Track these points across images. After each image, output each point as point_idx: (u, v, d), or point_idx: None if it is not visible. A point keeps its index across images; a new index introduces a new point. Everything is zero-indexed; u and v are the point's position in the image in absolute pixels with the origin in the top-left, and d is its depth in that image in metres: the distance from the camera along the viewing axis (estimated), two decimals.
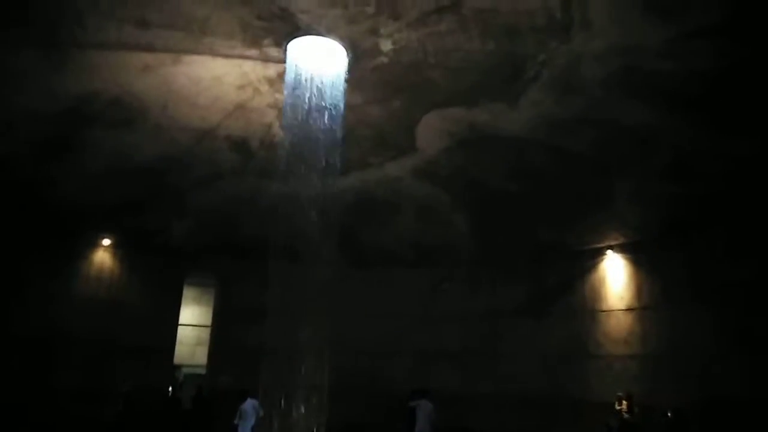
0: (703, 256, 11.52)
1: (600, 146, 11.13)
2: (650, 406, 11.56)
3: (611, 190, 12.15)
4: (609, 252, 13.49)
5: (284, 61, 9.39)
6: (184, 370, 18.53)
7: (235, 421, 10.41)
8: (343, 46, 9.11)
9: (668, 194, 11.46)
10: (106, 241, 14.21)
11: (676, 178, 11.03)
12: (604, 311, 13.40)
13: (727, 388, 10.42)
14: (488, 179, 13.17)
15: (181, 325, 16.06)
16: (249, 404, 10.74)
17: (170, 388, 15.71)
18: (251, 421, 10.63)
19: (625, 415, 11.32)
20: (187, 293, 16.76)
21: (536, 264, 14.66)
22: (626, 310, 12.99)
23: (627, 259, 13.22)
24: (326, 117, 10.01)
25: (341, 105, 9.92)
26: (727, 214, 11.05)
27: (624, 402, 11.48)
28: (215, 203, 14.08)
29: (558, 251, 14.17)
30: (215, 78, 9.93)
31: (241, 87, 10.27)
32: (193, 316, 18.83)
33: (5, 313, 12.02)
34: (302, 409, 8.05)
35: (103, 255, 14.25)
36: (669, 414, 10.27)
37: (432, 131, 11.84)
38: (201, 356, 18.02)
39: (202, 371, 17.17)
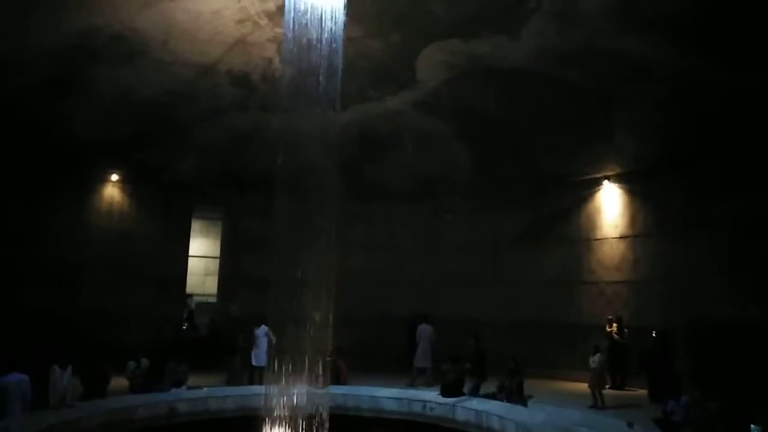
0: (696, 187, 11.79)
1: (600, 77, 11.17)
2: (639, 328, 12.28)
3: (610, 121, 12.28)
4: (606, 182, 13.79)
5: None
6: (195, 299, 19.38)
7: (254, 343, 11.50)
8: None
9: (666, 126, 11.60)
10: (115, 176, 14.52)
11: (674, 110, 11.13)
12: (598, 239, 13.88)
13: (712, 312, 10.99)
14: (489, 111, 13.27)
15: (190, 256, 16.66)
16: (261, 330, 11.54)
17: (186, 320, 16.58)
18: (264, 346, 11.44)
19: (615, 337, 12.04)
20: (195, 226, 17.25)
21: (535, 194, 14.99)
22: (620, 238, 13.45)
23: (623, 189, 13.53)
24: (326, 51, 10.01)
25: (341, 38, 9.90)
26: (722, 146, 11.21)
27: (614, 324, 12.18)
28: (219, 138, 14.27)
29: (556, 181, 14.45)
30: (214, 12, 9.89)
31: (241, 21, 10.23)
32: (201, 248, 19.46)
33: (23, 245, 12.52)
34: (310, 334, 8.62)
35: (113, 189, 14.60)
36: (654, 334, 10.94)
37: (432, 64, 11.85)
38: (210, 286, 18.80)
39: (212, 300, 17.99)
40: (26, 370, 8.09)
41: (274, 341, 11.24)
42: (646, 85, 10.92)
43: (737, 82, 9.80)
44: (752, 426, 5.93)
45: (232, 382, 11.68)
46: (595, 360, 10.50)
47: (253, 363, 11.56)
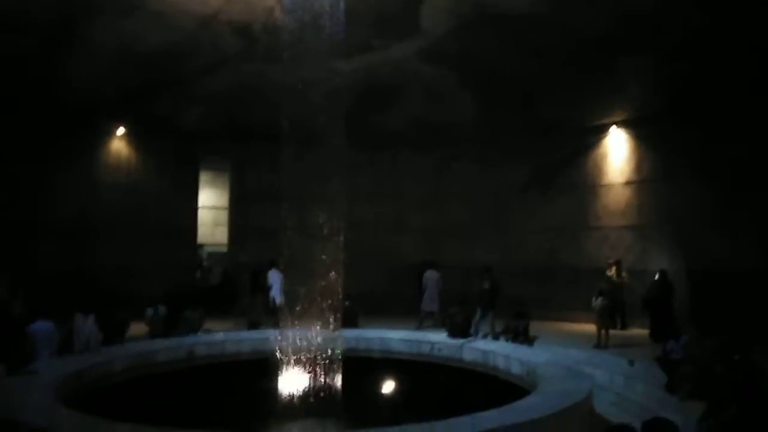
0: (703, 134, 11.76)
1: (606, 23, 10.95)
2: (642, 271, 12.55)
3: (618, 67, 12.12)
4: (612, 128, 13.75)
5: None
6: (206, 249, 19.76)
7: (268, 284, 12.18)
8: None
9: (674, 72, 11.45)
10: (121, 129, 14.58)
11: (682, 57, 10.97)
12: (604, 185, 13.97)
13: (712, 257, 11.22)
14: (495, 58, 13.07)
15: (199, 207, 16.91)
16: (273, 273, 12.05)
17: (198, 269, 17.00)
18: (277, 286, 11.98)
19: (614, 279, 12.33)
20: (203, 177, 17.40)
21: (541, 141, 14.96)
22: (625, 183, 13.54)
23: (629, 134, 13.50)
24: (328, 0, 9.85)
25: None
26: (729, 94, 11.12)
27: (613, 268, 12.45)
28: (223, 89, 14.19)
29: (563, 128, 14.41)
30: None
31: None
32: (209, 199, 19.68)
33: (35, 203, 12.77)
34: (322, 280, 8.91)
35: (120, 143, 14.71)
36: (656, 277, 11.20)
37: (437, 11, 11.62)
38: (220, 236, 19.12)
39: (223, 249, 18.35)
40: (51, 319, 8.50)
41: (287, 286, 11.74)
42: (653, 32, 10.73)
43: (743, 31, 9.61)
44: (735, 357, 6.23)
45: (254, 322, 12.09)
46: (597, 302, 10.81)
47: (273, 303, 12.03)
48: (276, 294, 12.13)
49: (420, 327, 12.18)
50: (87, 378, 7.73)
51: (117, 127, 14.50)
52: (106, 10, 10.82)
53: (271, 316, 11.71)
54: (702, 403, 5.83)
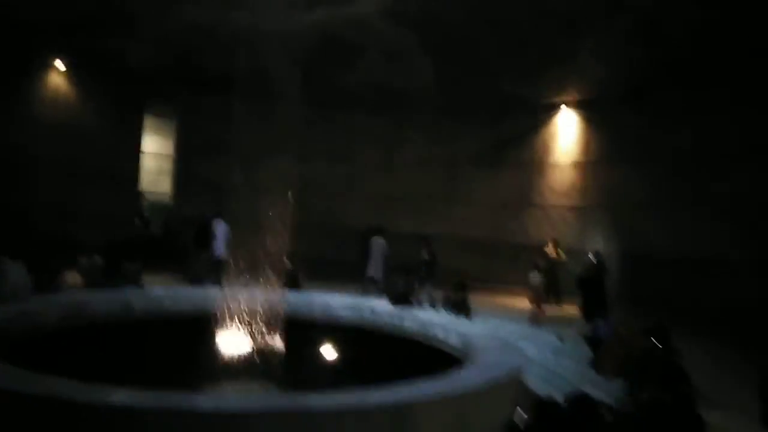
0: (650, 120, 12.17)
1: (570, 3, 11.04)
2: (581, 250, 13.06)
3: (575, 46, 12.29)
4: (563, 107, 14.01)
5: None
6: (149, 197, 19.03)
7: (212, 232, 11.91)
8: None
9: (628, 56, 11.73)
10: (60, 63, 13.64)
11: (637, 40, 11.22)
12: (551, 164, 14.32)
13: (649, 243, 11.79)
14: (457, 26, 12.98)
15: (142, 153, 16.20)
16: (219, 224, 11.94)
17: (138, 217, 16.38)
18: (221, 237, 11.80)
19: (551, 257, 12.80)
20: (148, 122, 16.62)
21: (495, 114, 15.14)
22: (571, 164, 13.92)
23: (580, 115, 13.85)
24: None
25: None
26: (680, 80, 11.49)
27: (550, 245, 12.91)
28: (176, 30, 13.42)
29: (516, 103, 14.61)
30: None
31: None
32: (154, 145, 18.85)
33: None
34: (266, 239, 8.76)
35: (58, 78, 13.81)
36: (591, 257, 11.68)
37: None
38: (163, 185, 18.44)
39: (165, 199, 17.75)
40: None
41: (230, 235, 11.56)
42: (613, 11, 10.89)
43: (700, 17, 9.87)
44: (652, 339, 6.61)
45: (197, 278, 11.85)
46: (533, 277, 11.22)
47: (216, 254, 11.77)
48: (219, 246, 11.90)
49: (364, 293, 12.29)
50: (14, 328, 7.38)
51: (55, 59, 13.55)
52: None
53: (213, 271, 11.51)
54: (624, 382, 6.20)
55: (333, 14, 13.21)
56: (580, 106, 13.82)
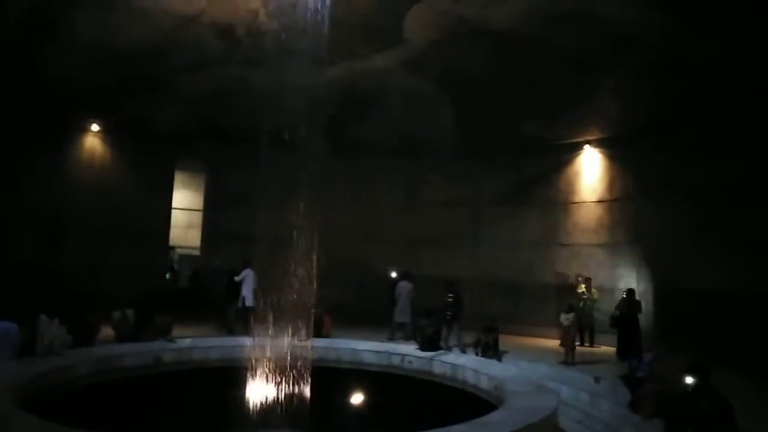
0: (675, 154, 12.04)
1: (585, 42, 11.21)
2: (612, 289, 12.79)
3: (593, 86, 12.40)
4: (586, 147, 14.02)
5: None
6: (178, 251, 19.47)
7: (236, 279, 12.24)
8: None
9: (648, 91, 11.76)
10: (96, 126, 14.33)
11: (658, 77, 11.27)
12: (576, 203, 14.22)
13: (682, 278, 11.46)
14: (475, 72, 13.26)
15: (173, 208, 16.68)
16: (247, 272, 12.20)
17: (169, 272, 16.74)
18: (249, 285, 12.02)
19: (584, 296, 12.53)
20: (177, 177, 17.17)
21: (517, 156, 15.18)
22: (597, 202, 13.80)
23: (603, 153, 13.79)
24: (313, 5, 9.86)
25: None
26: (703, 114, 11.42)
27: (582, 285, 12.65)
28: (203, 90, 14.07)
29: (538, 145, 14.63)
30: None
31: None
32: (183, 200, 19.42)
33: (7, 198, 12.46)
34: (294, 288, 8.84)
35: (94, 140, 14.46)
36: (624, 295, 11.41)
37: (420, 23, 11.75)
38: (192, 238, 18.87)
39: (195, 252, 18.11)
40: (14, 319, 8.26)
41: (255, 286, 11.83)
42: (631, 51, 11.00)
43: (722, 53, 9.91)
44: (687, 377, 6.36)
45: (231, 328, 12.04)
46: (568, 318, 10.99)
47: (247, 304, 11.92)
48: (248, 295, 12.03)
49: (391, 338, 12.19)
50: (48, 382, 7.53)
51: (91, 123, 14.24)
52: (89, 4, 10.71)
53: (242, 320, 11.61)
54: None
55: (354, 68, 13.69)
56: (602, 144, 13.80)
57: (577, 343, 11.69)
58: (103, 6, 10.89)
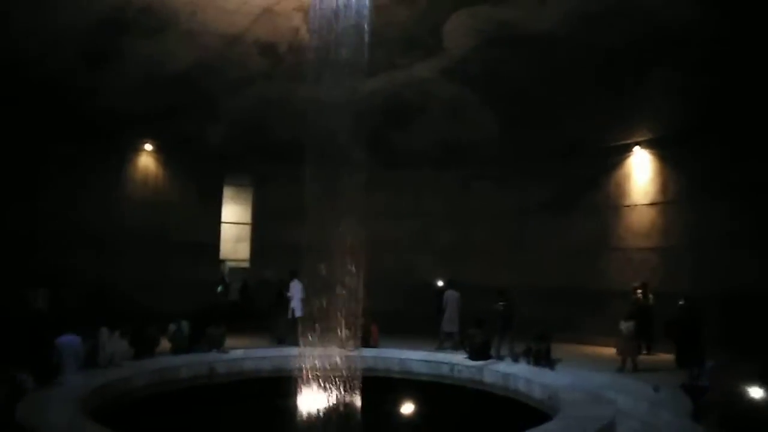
0: (729, 154, 11.57)
1: (631, 40, 10.94)
2: (668, 294, 12.28)
3: (640, 86, 12.06)
4: (636, 148, 13.60)
5: None
6: (228, 265, 19.95)
7: (288, 294, 12.43)
8: None
9: (699, 89, 11.34)
10: (149, 147, 14.94)
11: (706, 74, 10.87)
12: (627, 206, 13.79)
13: (740, 280, 10.94)
14: (517, 77, 13.12)
15: (222, 222, 17.15)
16: (295, 284, 12.32)
17: (220, 285, 17.17)
18: (298, 296, 12.16)
19: (642, 302, 12.07)
20: (226, 192, 17.64)
21: (564, 161, 14.86)
22: (649, 204, 13.35)
23: (654, 154, 13.34)
24: (353, 20, 10.00)
25: (368, 7, 9.87)
26: (757, 113, 10.93)
27: (638, 291, 12.21)
28: (248, 107, 14.48)
29: (586, 148, 14.29)
30: None
31: None
32: (232, 214, 19.92)
33: (65, 215, 13.10)
34: (342, 298, 8.92)
35: (147, 160, 15.05)
36: (681, 302, 10.94)
37: (460, 30, 11.75)
38: (242, 251, 19.30)
39: (244, 265, 18.52)
40: (78, 332, 8.67)
41: (304, 296, 11.87)
42: (676, 47, 10.67)
43: None
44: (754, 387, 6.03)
45: (280, 339, 12.25)
46: (627, 326, 10.59)
47: (296, 315, 12.11)
48: (297, 306, 12.21)
49: (440, 348, 12.09)
50: (110, 393, 7.84)
51: (145, 143, 14.86)
52: (138, 29, 11.23)
53: (292, 331, 11.77)
54: None
55: (394, 79, 13.79)
56: (653, 144, 13.34)
57: (645, 353, 11.30)
58: (152, 32, 11.38)
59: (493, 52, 12.31)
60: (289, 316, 12.35)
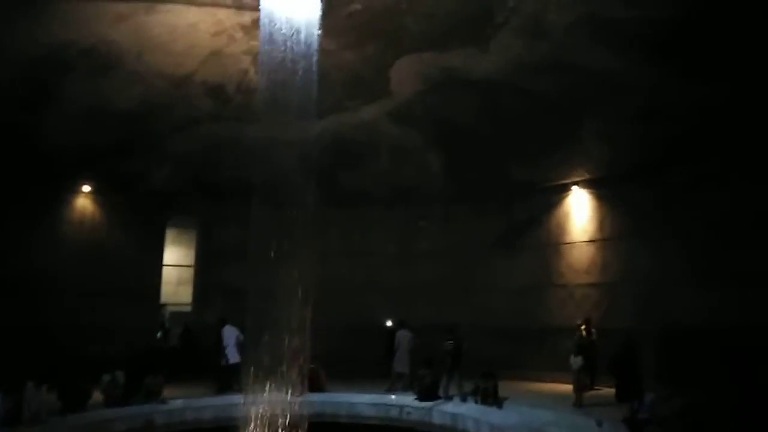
0: (665, 192, 12.21)
1: (568, 89, 11.55)
2: (608, 330, 12.66)
3: (579, 130, 12.68)
4: (574, 188, 14.19)
5: (258, 9, 9.44)
6: (169, 309, 19.17)
7: (223, 344, 11.86)
8: None
9: (633, 134, 12.04)
10: (87, 187, 14.40)
11: (641, 120, 11.55)
12: (567, 243, 14.28)
13: (678, 316, 11.40)
14: (461, 120, 13.59)
15: (164, 265, 16.56)
16: (227, 329, 11.90)
17: (160, 330, 16.45)
18: (231, 342, 11.79)
19: (586, 338, 12.37)
20: (168, 234, 17.11)
21: (507, 200, 15.34)
22: (589, 242, 13.87)
23: (591, 194, 13.93)
24: (302, 63, 10.16)
25: (316, 51, 10.07)
26: (689, 154, 11.66)
27: (582, 327, 12.53)
28: (194, 147, 14.27)
29: (527, 188, 14.81)
30: (190, 26, 9.99)
31: (216, 34, 10.35)
32: (174, 257, 19.27)
33: None
34: (287, 342, 8.73)
35: (85, 200, 14.48)
36: (623, 334, 11.29)
37: (406, 75, 12.12)
38: (183, 295, 18.61)
39: (185, 309, 17.83)
40: (1, 387, 8.06)
41: (242, 338, 11.59)
42: (613, 95, 11.33)
43: (707, 93, 10.19)
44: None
45: (220, 387, 11.77)
46: (576, 361, 10.81)
47: (231, 361, 11.68)
48: (231, 352, 11.81)
49: (390, 389, 11.94)
50: None
51: (83, 184, 14.32)
52: (82, 69, 10.98)
53: (230, 377, 11.35)
54: None
55: (342, 121, 13.97)
56: (590, 184, 13.97)
57: (597, 388, 11.50)
58: (97, 72, 11.14)
59: (438, 95, 12.73)
60: (224, 362, 11.89)
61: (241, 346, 11.61)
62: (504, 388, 10.80)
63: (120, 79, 11.47)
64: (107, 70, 11.12)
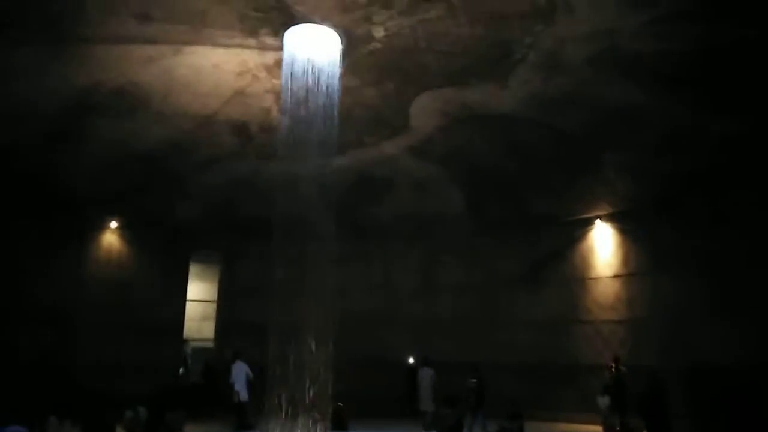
0: (688, 226, 12.00)
1: (588, 123, 11.57)
2: (635, 367, 12.27)
3: (600, 164, 12.64)
4: (597, 221, 14.01)
5: (281, 49, 9.73)
6: (192, 344, 19.18)
7: (230, 381, 11.64)
8: (337, 33, 9.44)
9: (655, 167, 11.94)
10: (114, 224, 14.71)
11: (663, 153, 11.49)
12: (592, 278, 14.01)
13: (706, 352, 11.05)
14: (481, 155, 13.63)
15: (187, 301, 16.66)
16: (237, 366, 11.73)
17: (182, 366, 16.42)
18: (242, 379, 11.60)
19: (616, 376, 11.95)
20: (192, 269, 17.27)
21: (529, 235, 15.16)
22: (613, 276, 13.59)
23: (615, 228, 13.74)
24: (323, 100, 10.38)
25: (337, 88, 10.29)
26: (713, 187, 11.50)
27: (613, 366, 12.12)
28: (217, 184, 14.54)
29: (550, 222, 14.66)
30: (215, 66, 10.29)
31: (240, 74, 10.64)
32: (197, 292, 19.40)
33: (20, 294, 12.60)
34: (309, 377, 8.64)
35: (111, 237, 14.78)
36: (651, 373, 10.90)
37: (426, 111, 12.25)
38: (207, 330, 18.65)
39: (209, 344, 17.83)
40: (23, 422, 8.07)
41: (251, 377, 11.48)
42: (634, 129, 11.30)
43: (729, 126, 10.12)
44: None
45: (241, 424, 11.62)
46: (604, 400, 10.46)
47: (241, 399, 11.56)
48: (241, 389, 11.64)
49: (427, 429, 11.54)
50: None
51: (110, 221, 14.63)
52: (109, 110, 11.35)
53: (244, 414, 11.21)
54: None
55: (362, 156, 14.13)
56: (613, 218, 13.79)
57: (631, 428, 11.09)
58: (123, 113, 11.52)
59: (458, 131, 12.82)
60: (235, 400, 11.70)
61: (250, 384, 11.46)
62: (530, 428, 10.48)
63: (146, 120, 11.84)
64: (134, 111, 11.49)
